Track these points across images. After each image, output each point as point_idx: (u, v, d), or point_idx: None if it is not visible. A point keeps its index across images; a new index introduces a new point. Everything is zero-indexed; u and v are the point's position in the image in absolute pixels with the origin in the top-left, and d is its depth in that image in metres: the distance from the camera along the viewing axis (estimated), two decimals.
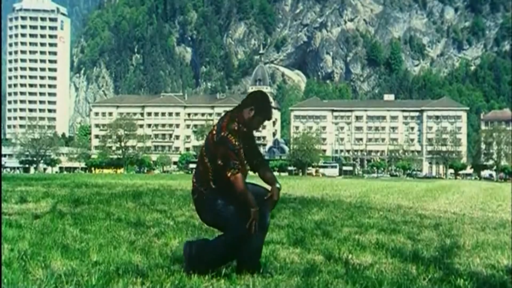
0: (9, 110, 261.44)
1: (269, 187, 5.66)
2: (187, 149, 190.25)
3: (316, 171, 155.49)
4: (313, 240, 8.04)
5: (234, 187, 5.34)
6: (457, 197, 24.49)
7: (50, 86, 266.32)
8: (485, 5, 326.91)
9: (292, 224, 10.04)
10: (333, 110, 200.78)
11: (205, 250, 5.53)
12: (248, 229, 5.32)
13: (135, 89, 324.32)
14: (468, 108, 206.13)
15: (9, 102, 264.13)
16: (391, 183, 54.64)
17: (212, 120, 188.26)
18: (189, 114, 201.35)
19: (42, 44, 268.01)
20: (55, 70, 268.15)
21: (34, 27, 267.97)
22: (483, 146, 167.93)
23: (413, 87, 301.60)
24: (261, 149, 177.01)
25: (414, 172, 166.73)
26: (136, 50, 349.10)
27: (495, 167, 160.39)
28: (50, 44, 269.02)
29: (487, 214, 14.57)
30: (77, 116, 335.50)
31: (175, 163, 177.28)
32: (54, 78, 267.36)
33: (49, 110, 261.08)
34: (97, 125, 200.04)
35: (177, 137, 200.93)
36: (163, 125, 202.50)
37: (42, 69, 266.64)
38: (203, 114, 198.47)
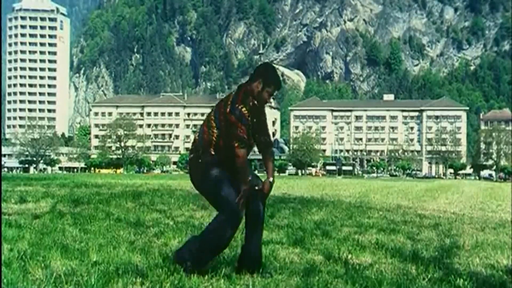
0: (9, 110, 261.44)
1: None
2: (187, 149, 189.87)
3: (316, 171, 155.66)
4: (312, 240, 8.04)
5: (235, 160, 5.38)
6: (456, 197, 24.49)
7: (49, 86, 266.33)
8: (484, 5, 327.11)
9: (292, 224, 10.04)
10: (332, 110, 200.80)
11: (195, 240, 5.58)
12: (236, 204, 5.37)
13: (134, 89, 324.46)
14: (467, 108, 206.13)
15: (9, 102, 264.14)
16: (391, 183, 54.66)
17: None
18: (188, 114, 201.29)
19: (42, 44, 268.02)
20: (54, 70, 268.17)
21: (34, 27, 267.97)
22: (482, 146, 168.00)
23: (413, 87, 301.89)
24: None
25: (414, 172, 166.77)
26: (135, 50, 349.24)
27: (494, 167, 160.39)
28: (50, 44, 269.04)
29: (486, 214, 14.58)
30: (76, 116, 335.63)
31: (174, 163, 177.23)
32: (54, 78, 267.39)
33: (49, 110, 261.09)
34: (96, 125, 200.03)
35: (177, 137, 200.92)
36: (163, 125, 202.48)
37: (42, 69, 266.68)
38: (202, 114, 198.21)
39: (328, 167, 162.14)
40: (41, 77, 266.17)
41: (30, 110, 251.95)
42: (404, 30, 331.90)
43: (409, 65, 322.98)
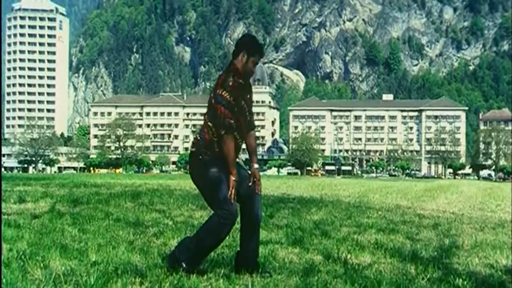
0: (8, 110, 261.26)
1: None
2: (186, 149, 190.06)
3: (315, 171, 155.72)
4: (312, 240, 8.04)
5: (222, 148, 5.36)
6: (456, 197, 24.49)
7: (49, 86, 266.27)
8: (484, 5, 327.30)
9: (291, 224, 10.04)
10: (332, 110, 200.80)
11: (190, 240, 5.58)
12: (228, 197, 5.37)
13: (134, 89, 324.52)
14: (467, 108, 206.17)
15: (8, 102, 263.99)
16: (390, 183, 54.66)
17: None
18: (188, 114, 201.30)
19: (41, 44, 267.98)
20: (54, 70, 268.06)
21: (33, 27, 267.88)
22: (481, 146, 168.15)
23: (412, 87, 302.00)
24: (260, 149, 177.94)
25: (413, 172, 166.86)
26: (135, 50, 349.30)
27: (493, 167, 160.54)
28: (49, 44, 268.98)
29: (485, 214, 14.58)
30: (76, 116, 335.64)
31: (174, 163, 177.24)
32: (53, 78, 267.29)
33: (48, 110, 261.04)
34: (96, 125, 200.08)
35: (176, 137, 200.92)
36: (162, 125, 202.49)
37: (41, 69, 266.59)
38: (202, 114, 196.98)
39: (327, 167, 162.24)
40: (40, 77, 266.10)
41: (29, 110, 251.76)
42: (403, 30, 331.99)
43: (408, 65, 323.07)
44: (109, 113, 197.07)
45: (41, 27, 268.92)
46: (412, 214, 13.64)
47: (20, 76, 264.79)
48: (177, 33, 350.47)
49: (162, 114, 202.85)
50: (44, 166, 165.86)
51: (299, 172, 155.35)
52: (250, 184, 5.55)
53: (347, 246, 7.42)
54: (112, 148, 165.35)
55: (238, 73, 5.47)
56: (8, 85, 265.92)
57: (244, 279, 5.29)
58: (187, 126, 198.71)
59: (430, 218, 12.51)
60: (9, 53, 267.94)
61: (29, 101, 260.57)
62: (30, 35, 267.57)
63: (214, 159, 5.44)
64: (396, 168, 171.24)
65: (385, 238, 8.63)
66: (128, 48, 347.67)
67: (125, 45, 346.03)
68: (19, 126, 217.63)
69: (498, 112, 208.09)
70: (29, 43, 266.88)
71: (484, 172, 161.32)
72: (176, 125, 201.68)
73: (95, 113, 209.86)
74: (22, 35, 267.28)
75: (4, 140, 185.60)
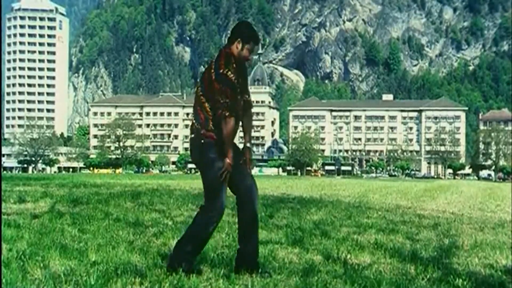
0: (8, 110, 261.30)
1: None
2: (186, 149, 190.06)
3: (315, 171, 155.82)
4: (311, 240, 8.04)
5: (223, 130, 5.36)
6: (455, 197, 24.49)
7: (48, 86, 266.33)
8: (483, 5, 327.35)
9: (291, 224, 10.04)
10: (331, 110, 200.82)
11: (180, 241, 5.64)
12: (220, 177, 5.39)
13: (133, 89, 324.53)
14: (466, 108, 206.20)
15: (8, 102, 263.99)
16: (390, 183, 54.65)
17: None
18: (187, 114, 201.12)
19: (41, 44, 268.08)
20: (53, 70, 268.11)
21: (33, 27, 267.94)
22: (481, 146, 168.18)
23: (412, 87, 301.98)
24: (260, 149, 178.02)
25: (413, 172, 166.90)
26: (134, 50, 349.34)
27: (493, 167, 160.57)
28: (49, 44, 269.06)
29: (485, 214, 14.58)
30: (75, 116, 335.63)
31: (173, 163, 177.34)
32: (53, 78, 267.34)
33: (48, 110, 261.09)
34: (95, 125, 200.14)
35: (176, 137, 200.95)
36: (162, 125, 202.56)
37: (41, 69, 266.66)
38: None
39: (327, 167, 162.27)
40: (40, 77, 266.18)
41: (29, 110, 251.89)
42: (403, 30, 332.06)
43: (408, 65, 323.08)
44: (109, 113, 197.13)
45: (41, 27, 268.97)
46: (412, 214, 13.64)
47: (20, 76, 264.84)
48: (177, 33, 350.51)
49: (162, 114, 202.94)
50: (44, 166, 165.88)
51: (296, 172, 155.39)
52: (240, 161, 5.56)
53: (347, 246, 7.42)
54: (112, 148, 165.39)
55: (235, 58, 5.49)
56: (8, 85, 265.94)
57: (244, 279, 5.29)
58: (187, 126, 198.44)
59: (430, 218, 12.51)
60: (9, 53, 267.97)
61: (28, 101, 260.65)
62: (30, 35, 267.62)
63: (214, 142, 5.44)
64: (396, 168, 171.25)
65: (385, 238, 8.63)
66: (128, 48, 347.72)
67: (125, 45, 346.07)
68: (19, 126, 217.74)
69: (497, 112, 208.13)
70: (29, 43, 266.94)
71: (483, 172, 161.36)
72: (176, 125, 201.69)
73: (95, 113, 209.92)
74: (22, 35, 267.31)
75: (4, 140, 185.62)
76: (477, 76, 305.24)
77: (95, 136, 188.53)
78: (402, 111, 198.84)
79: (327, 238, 8.34)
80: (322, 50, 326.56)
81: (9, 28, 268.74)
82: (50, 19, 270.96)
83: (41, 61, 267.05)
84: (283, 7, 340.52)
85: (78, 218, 9.92)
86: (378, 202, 18.37)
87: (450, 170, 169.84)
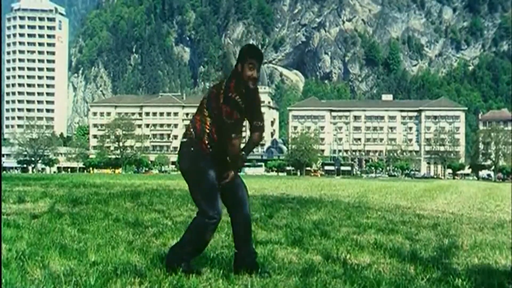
0: (7, 110, 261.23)
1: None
2: None
3: (315, 171, 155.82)
4: (311, 240, 8.04)
5: (230, 150, 5.45)
6: (455, 197, 24.50)
7: (48, 86, 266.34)
8: (483, 5, 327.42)
9: (290, 224, 10.04)
10: (331, 110, 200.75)
11: (177, 245, 5.70)
12: (220, 182, 5.49)
13: (133, 89, 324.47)
14: (466, 108, 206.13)
15: (7, 102, 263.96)
16: (389, 183, 54.64)
17: None
18: (187, 114, 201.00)
19: (40, 44, 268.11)
20: (53, 70, 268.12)
21: (32, 27, 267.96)
22: (481, 146, 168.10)
23: (411, 87, 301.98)
24: (259, 149, 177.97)
25: (412, 172, 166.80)
26: (134, 50, 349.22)
27: (493, 167, 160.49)
28: (48, 44, 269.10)
29: (485, 214, 14.58)
30: (75, 116, 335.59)
31: (173, 163, 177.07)
32: (52, 78, 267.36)
33: (47, 110, 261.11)
34: (95, 125, 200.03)
35: (175, 137, 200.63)
36: (161, 125, 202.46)
37: (40, 69, 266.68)
38: None
39: (326, 167, 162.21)
40: (40, 77, 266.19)
41: (28, 110, 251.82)
42: (403, 30, 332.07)
43: (408, 65, 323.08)
44: (109, 113, 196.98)
45: (41, 27, 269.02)
46: (412, 214, 13.64)
47: (19, 76, 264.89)
48: (176, 33, 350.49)
49: (161, 114, 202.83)
50: (43, 166, 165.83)
51: (296, 172, 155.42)
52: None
53: (347, 246, 7.43)
54: (112, 148, 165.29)
55: (243, 78, 5.50)
56: (8, 85, 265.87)
57: (244, 279, 5.29)
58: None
59: (430, 219, 12.51)
60: (8, 53, 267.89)
61: (28, 101, 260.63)
62: (30, 35, 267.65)
63: (206, 151, 5.49)
64: (396, 168, 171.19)
65: (384, 238, 8.63)
66: (127, 48, 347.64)
67: (124, 45, 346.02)
68: (19, 126, 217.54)
69: (497, 112, 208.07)
70: (28, 43, 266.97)
71: (483, 173, 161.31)
72: (176, 125, 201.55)
73: (95, 113, 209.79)
74: (21, 35, 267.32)
75: (4, 140, 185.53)
76: (477, 76, 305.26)
77: (95, 136, 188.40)
78: (401, 111, 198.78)
79: (326, 238, 8.35)
80: (321, 50, 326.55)
81: (8, 28, 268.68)
82: (49, 19, 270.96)
83: (40, 61, 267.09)
84: (282, 7, 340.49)
85: (77, 218, 9.93)
86: (377, 202, 18.37)
87: (450, 170, 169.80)
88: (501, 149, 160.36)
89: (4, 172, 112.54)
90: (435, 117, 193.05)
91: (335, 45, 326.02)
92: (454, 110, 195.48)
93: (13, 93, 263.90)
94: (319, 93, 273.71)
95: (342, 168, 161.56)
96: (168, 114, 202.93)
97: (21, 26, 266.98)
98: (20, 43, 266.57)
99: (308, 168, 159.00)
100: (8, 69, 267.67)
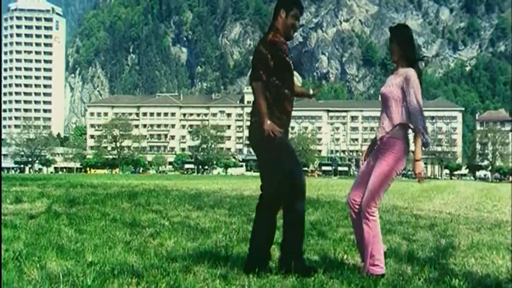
0: (4, 110, 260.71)
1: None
2: (183, 149, 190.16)
3: (312, 172, 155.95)
4: (308, 240, 8.03)
5: (254, 96, 5.49)
6: (452, 198, 24.50)
7: (45, 86, 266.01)
8: (480, 6, 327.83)
9: None
10: (328, 111, 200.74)
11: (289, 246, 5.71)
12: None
13: (130, 89, 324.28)
14: (463, 109, 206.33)
15: (4, 102, 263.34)
16: None
17: (207, 120, 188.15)
18: (184, 115, 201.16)
19: (37, 44, 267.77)
20: (50, 70, 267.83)
21: (29, 27, 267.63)
22: (478, 146, 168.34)
23: None
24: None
25: (410, 173, 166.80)
26: (131, 50, 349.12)
27: (490, 168, 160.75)
28: (45, 44, 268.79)
29: (482, 215, 14.58)
30: (72, 116, 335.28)
31: (170, 163, 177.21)
32: (49, 78, 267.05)
33: (44, 110, 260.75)
34: (92, 125, 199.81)
35: (173, 137, 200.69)
36: (159, 125, 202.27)
37: (37, 69, 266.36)
38: (198, 115, 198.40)
39: (324, 168, 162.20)
40: (37, 77, 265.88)
41: (25, 110, 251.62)
42: None
43: None
44: (106, 114, 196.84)
45: (38, 27, 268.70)
46: (409, 214, 13.64)
47: (16, 76, 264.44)
48: (173, 33, 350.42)
49: (158, 114, 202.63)
50: (40, 166, 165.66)
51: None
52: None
53: (344, 247, 7.43)
54: (109, 148, 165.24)
55: (279, 32, 5.54)
56: (5, 85, 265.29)
57: (241, 280, 5.29)
58: (183, 126, 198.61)
59: (427, 219, 12.52)
60: (5, 53, 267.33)
61: (25, 101, 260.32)
62: (27, 35, 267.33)
63: (277, 123, 5.50)
64: None
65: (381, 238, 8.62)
66: (124, 48, 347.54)
67: (121, 45, 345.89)
68: (16, 126, 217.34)
69: (494, 112, 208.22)
70: (25, 43, 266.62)
71: (480, 173, 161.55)
72: (173, 126, 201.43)
73: (92, 114, 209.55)
74: (18, 35, 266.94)
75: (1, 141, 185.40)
76: (474, 77, 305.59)
77: (92, 137, 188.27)
78: None
79: (323, 238, 8.35)
80: (319, 51, 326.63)
81: (5, 28, 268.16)
82: (46, 19, 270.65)
83: (37, 61, 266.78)
84: None
85: (74, 219, 9.92)
86: None
87: (447, 171, 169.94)
88: (498, 149, 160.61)
89: (1, 172, 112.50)
90: (432, 118, 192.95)
91: (332, 45, 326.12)
92: (451, 110, 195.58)
93: (10, 93, 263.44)
94: (316, 94, 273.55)
95: (339, 168, 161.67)
96: (165, 114, 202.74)
97: (18, 26, 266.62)
98: (17, 43, 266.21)
99: (306, 169, 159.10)
100: (5, 69, 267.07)
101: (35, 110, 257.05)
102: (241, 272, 5.49)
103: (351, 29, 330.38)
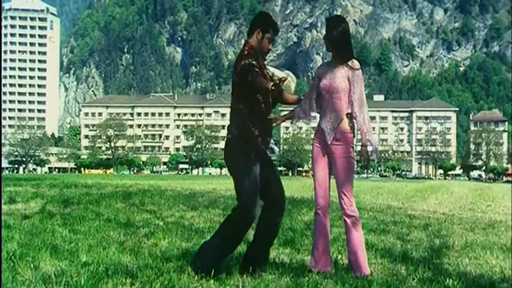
0: None
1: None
2: (177, 149, 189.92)
3: (306, 172, 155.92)
4: (302, 240, 8.05)
5: (250, 79, 5.48)
6: (446, 198, 24.53)
7: (39, 86, 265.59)
8: (474, 6, 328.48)
9: (282, 224, 10.01)
10: None
11: (207, 243, 5.60)
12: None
13: (125, 89, 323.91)
14: (457, 109, 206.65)
15: None
16: (381, 183, 54.72)
17: (202, 120, 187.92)
18: (179, 115, 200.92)
19: (32, 44, 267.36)
20: (44, 70, 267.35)
21: (24, 27, 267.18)
22: (472, 146, 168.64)
23: (403, 87, 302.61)
24: None
25: (404, 173, 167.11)
26: (126, 50, 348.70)
27: (484, 168, 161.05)
28: (40, 44, 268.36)
29: (476, 215, 14.61)
30: (66, 116, 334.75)
31: (165, 163, 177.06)
32: (44, 78, 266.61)
33: (39, 110, 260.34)
34: (86, 125, 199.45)
35: (167, 137, 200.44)
36: (153, 126, 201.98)
37: (32, 69, 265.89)
38: (193, 115, 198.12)
39: None
40: (31, 77, 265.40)
41: (19, 110, 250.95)
42: (394, 31, 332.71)
43: (399, 66, 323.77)
44: (100, 114, 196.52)
45: (32, 27, 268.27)
46: (403, 214, 13.65)
47: (10, 76, 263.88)
48: (168, 33, 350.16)
49: (153, 114, 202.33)
50: (34, 166, 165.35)
51: (288, 173, 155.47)
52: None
53: (338, 247, 7.43)
54: (103, 148, 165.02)
55: (254, 51, 5.55)
56: None
57: (235, 280, 5.29)
58: (178, 126, 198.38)
59: (421, 219, 12.53)
60: None
61: (19, 101, 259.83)
62: (21, 35, 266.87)
63: (248, 146, 5.59)
64: (387, 169, 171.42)
65: (376, 238, 8.64)
66: (119, 48, 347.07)
67: (116, 45, 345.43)
68: (10, 126, 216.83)
69: (488, 113, 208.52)
70: (19, 43, 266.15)
71: (474, 173, 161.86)
72: (167, 126, 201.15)
73: (86, 114, 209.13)
74: (12, 35, 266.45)
75: None
76: (468, 77, 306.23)
77: (86, 137, 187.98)
78: (393, 111, 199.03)
79: None
80: (313, 51, 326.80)
81: None
82: (41, 19, 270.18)
83: (32, 61, 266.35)
84: (274, 8, 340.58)
85: (69, 219, 9.90)
86: (369, 202, 18.38)
87: (441, 171, 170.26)
88: (492, 149, 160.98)
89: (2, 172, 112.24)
90: (427, 118, 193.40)
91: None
92: (445, 110, 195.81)
93: (4, 93, 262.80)
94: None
95: None
96: (160, 114, 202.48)
97: (12, 26, 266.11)
98: (11, 43, 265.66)
99: (300, 169, 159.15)
100: None
101: (29, 110, 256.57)
102: (235, 272, 5.49)
103: None
